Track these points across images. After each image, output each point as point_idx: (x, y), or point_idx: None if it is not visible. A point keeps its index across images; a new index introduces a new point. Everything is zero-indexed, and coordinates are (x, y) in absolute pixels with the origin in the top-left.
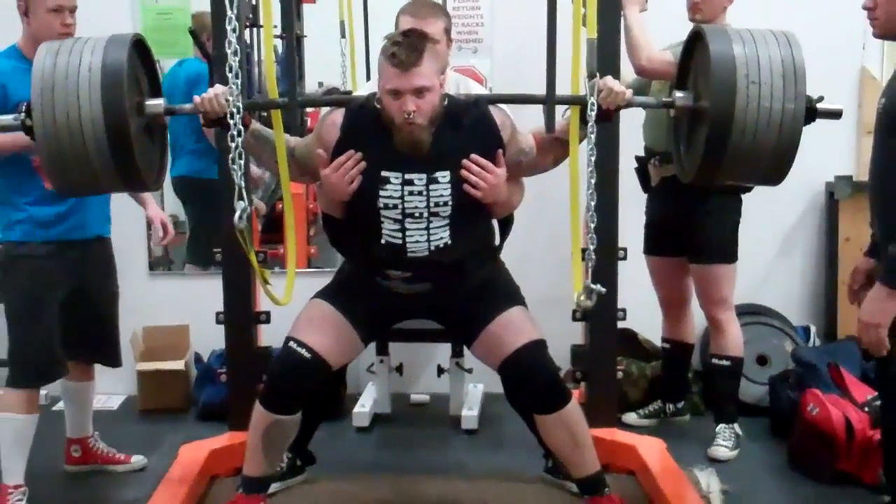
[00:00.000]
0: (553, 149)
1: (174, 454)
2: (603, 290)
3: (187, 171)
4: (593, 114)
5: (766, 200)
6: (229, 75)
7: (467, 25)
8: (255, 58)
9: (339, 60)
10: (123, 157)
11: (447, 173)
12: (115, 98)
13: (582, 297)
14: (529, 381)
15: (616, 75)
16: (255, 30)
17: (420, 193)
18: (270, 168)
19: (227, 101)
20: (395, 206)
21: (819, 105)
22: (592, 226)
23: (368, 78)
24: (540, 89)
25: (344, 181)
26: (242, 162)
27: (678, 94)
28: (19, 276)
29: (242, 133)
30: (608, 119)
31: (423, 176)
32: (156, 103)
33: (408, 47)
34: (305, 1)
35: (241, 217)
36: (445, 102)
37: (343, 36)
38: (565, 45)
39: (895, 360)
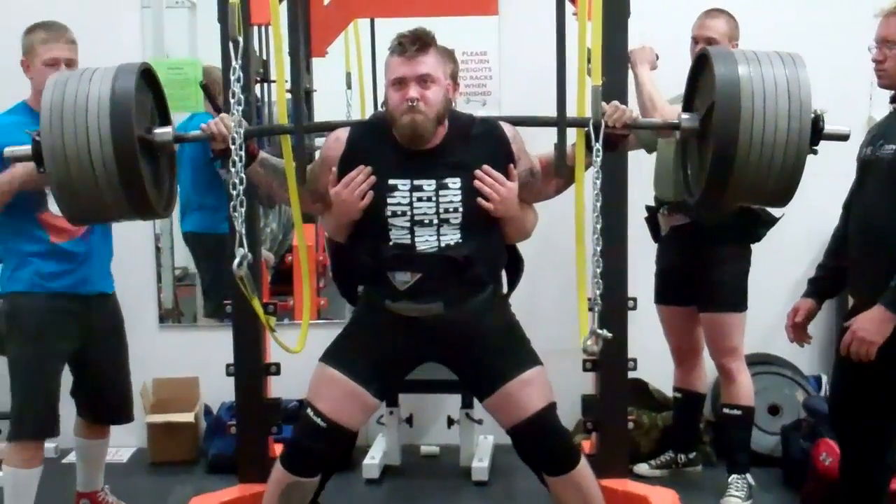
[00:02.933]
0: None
1: None
2: (609, 334)
3: (197, 227)
4: (598, 146)
5: (775, 249)
6: (232, 101)
7: (476, 78)
8: (266, 112)
9: (346, 112)
10: (133, 186)
11: (458, 180)
12: (124, 126)
13: (588, 342)
14: (541, 446)
15: None
16: (265, 85)
17: (429, 199)
18: (283, 199)
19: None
20: (404, 214)
21: (826, 127)
22: (598, 271)
23: None
24: (548, 141)
25: (354, 197)
26: (244, 210)
27: (684, 115)
28: (23, 329)
29: (243, 158)
30: (614, 146)
31: (433, 182)
32: (164, 131)
33: (414, 39)
34: (315, 55)
35: (240, 264)
36: (452, 113)
37: (349, 87)
38: (571, 92)
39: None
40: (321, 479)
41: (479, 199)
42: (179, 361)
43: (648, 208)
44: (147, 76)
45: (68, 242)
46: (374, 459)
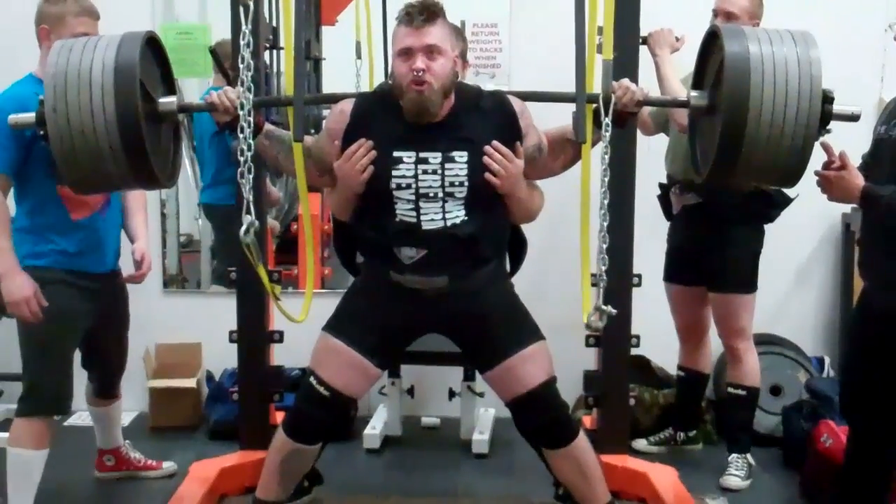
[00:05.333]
0: (563, 151)
1: (184, 472)
2: (614, 311)
3: (212, 199)
4: (608, 121)
5: (782, 231)
6: (241, 66)
7: (486, 51)
8: (275, 80)
9: (355, 82)
10: (136, 155)
11: (464, 153)
12: (128, 96)
13: (593, 318)
14: (539, 420)
15: None
16: (274, 52)
17: (435, 172)
18: (289, 171)
19: (237, 98)
20: (409, 186)
21: (836, 107)
22: (604, 246)
23: None
24: (556, 115)
25: (356, 170)
26: (252, 177)
27: (693, 93)
28: (46, 295)
29: (252, 124)
30: (622, 123)
31: (438, 154)
32: (168, 101)
33: (421, 9)
34: (325, 23)
35: (247, 231)
36: (459, 85)
37: (359, 57)
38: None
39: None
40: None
41: (487, 175)
42: (182, 327)
43: (661, 186)
44: (152, 45)
45: (87, 219)
46: (374, 430)
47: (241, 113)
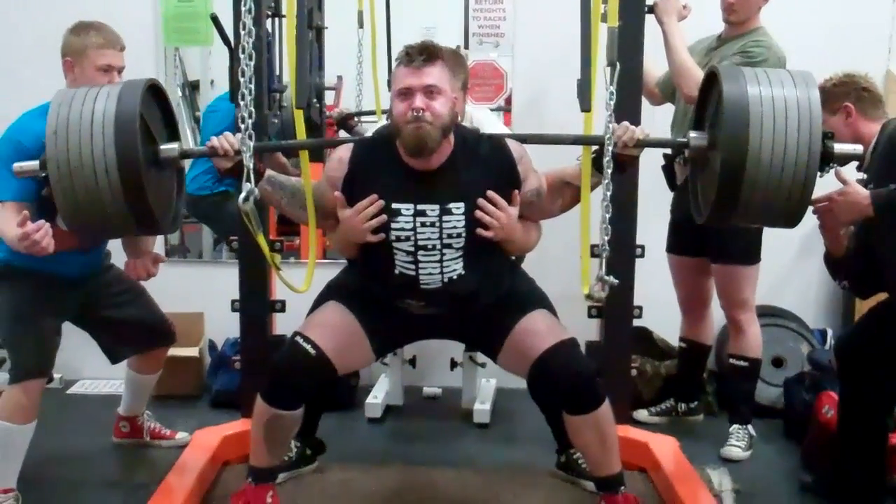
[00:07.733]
0: (562, 194)
1: (187, 440)
2: (616, 281)
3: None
4: (610, 148)
5: None
6: (242, 33)
7: (490, 20)
8: (276, 48)
9: (357, 52)
10: (138, 204)
11: (461, 205)
12: (129, 146)
13: (595, 288)
14: (561, 383)
15: (639, 68)
16: (276, 20)
17: (433, 225)
18: (292, 216)
19: (242, 145)
20: (408, 239)
21: (837, 147)
22: (608, 216)
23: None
24: (559, 85)
25: (364, 227)
26: (252, 143)
27: (692, 134)
28: (15, 283)
29: (252, 92)
30: (623, 168)
31: (436, 207)
32: (170, 147)
33: (422, 50)
34: None
35: (246, 198)
36: (458, 130)
37: (361, 26)
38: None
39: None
40: (311, 416)
41: (479, 230)
42: (185, 297)
43: (665, 157)
44: (154, 91)
45: (68, 252)
46: (376, 399)
47: (241, 80)
